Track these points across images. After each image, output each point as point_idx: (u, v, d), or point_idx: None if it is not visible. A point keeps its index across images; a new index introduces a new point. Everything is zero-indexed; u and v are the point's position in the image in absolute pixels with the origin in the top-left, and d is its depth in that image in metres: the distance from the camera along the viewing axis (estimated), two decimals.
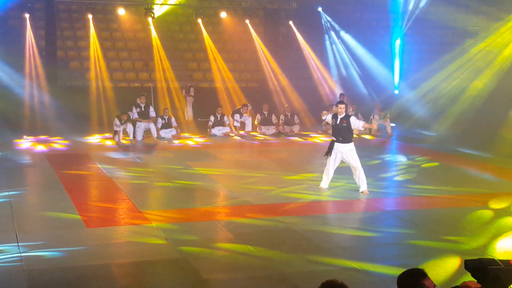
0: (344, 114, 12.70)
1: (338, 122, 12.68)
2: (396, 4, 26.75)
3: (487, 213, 11.28)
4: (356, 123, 12.86)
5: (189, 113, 24.94)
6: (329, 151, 12.71)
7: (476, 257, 5.22)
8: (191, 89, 25.05)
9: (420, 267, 4.71)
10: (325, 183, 12.98)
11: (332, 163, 12.78)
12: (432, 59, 27.14)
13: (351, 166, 12.74)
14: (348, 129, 12.68)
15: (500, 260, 5.04)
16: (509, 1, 24.88)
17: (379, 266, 8.53)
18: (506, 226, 10.58)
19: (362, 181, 12.64)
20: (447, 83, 25.62)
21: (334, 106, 22.05)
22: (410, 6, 26.60)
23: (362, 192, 12.56)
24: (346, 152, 12.61)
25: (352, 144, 12.71)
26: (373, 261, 8.78)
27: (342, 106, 12.83)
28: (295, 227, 10.28)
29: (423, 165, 16.02)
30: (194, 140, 20.24)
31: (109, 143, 19.26)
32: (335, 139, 12.72)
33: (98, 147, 18.63)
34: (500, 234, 10.09)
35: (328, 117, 13.16)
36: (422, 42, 28.69)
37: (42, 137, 19.88)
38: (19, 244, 9.13)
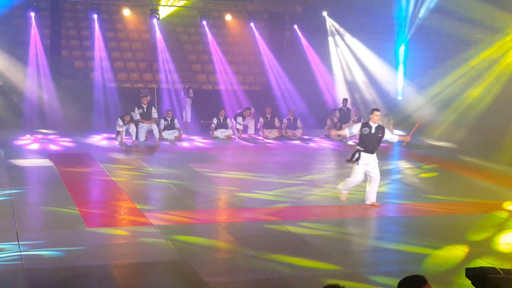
0: (377, 123, 11.97)
1: (373, 132, 11.87)
2: (400, 11, 26.79)
3: (488, 221, 11.27)
4: (390, 136, 12.20)
5: (188, 114, 24.93)
6: (356, 160, 11.90)
7: (477, 265, 5.23)
8: (190, 90, 25.06)
9: (421, 274, 4.71)
10: (345, 195, 12.39)
11: (360, 176, 12.03)
12: (436, 66, 27.20)
13: (370, 177, 12.01)
14: (380, 140, 12.03)
15: (501, 269, 5.05)
16: None
17: (380, 272, 8.52)
18: (507, 234, 10.57)
19: (373, 193, 12.07)
20: (450, 90, 25.64)
21: (337, 110, 22.28)
22: (415, 13, 26.64)
23: (372, 204, 12.04)
24: (371, 163, 11.94)
25: (375, 154, 12.05)
26: (374, 267, 8.78)
27: (378, 113, 11.98)
28: (296, 231, 10.27)
29: (426, 172, 16.00)
30: (197, 142, 20.24)
31: (111, 143, 19.26)
32: (362, 148, 11.90)
33: (101, 147, 18.64)
34: (501, 242, 10.08)
35: (355, 128, 12.15)
36: (426, 48, 28.75)
37: (45, 136, 19.90)
38: (19, 243, 9.13)
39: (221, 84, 26.76)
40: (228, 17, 28.40)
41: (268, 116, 21.91)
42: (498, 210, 12.02)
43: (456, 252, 9.41)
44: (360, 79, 27.54)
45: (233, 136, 21.21)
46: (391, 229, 10.98)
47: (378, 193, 12.40)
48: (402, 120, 23.53)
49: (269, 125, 21.82)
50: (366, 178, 12.15)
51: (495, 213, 11.77)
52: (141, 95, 22.67)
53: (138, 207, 11.50)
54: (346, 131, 12.72)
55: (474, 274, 5.10)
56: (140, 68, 27.11)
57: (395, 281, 4.65)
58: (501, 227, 10.93)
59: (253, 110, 22.18)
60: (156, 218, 10.76)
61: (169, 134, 20.39)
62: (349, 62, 28.14)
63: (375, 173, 12.00)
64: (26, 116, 22.66)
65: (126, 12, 27.49)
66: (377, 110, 12.11)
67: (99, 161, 16.05)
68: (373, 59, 27.72)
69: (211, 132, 21.15)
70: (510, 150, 18.59)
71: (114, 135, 19.68)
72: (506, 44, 25.75)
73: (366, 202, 12.13)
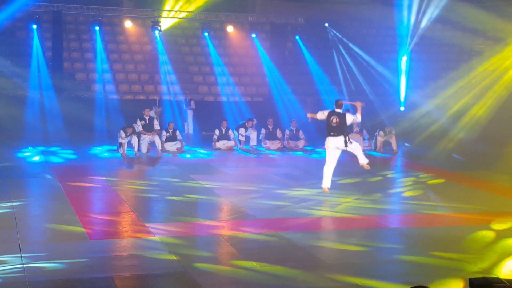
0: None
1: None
2: (402, 21, 26.82)
3: (492, 232, 11.21)
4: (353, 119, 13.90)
5: (190, 126, 24.95)
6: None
7: (481, 276, 5.20)
8: (192, 101, 25.10)
9: (425, 285, 4.67)
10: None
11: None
12: (438, 76, 27.22)
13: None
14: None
15: (506, 280, 5.01)
16: None
17: (383, 283, 8.47)
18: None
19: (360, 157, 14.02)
20: (453, 100, 25.62)
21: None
22: (417, 24, 26.68)
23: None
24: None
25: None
26: (377, 278, 8.72)
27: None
28: (299, 242, 10.23)
29: (429, 182, 15.95)
30: (199, 153, 20.23)
31: (113, 155, 19.25)
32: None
33: (103, 159, 18.63)
34: (506, 253, 10.02)
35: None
36: (428, 59, 28.78)
37: (47, 147, 19.89)
38: (22, 255, 9.10)
39: (223, 95, 26.79)
40: (230, 29, 28.47)
41: (270, 127, 21.89)
42: (503, 221, 11.96)
43: (460, 263, 9.36)
44: (363, 89, 27.53)
45: (235, 147, 21.19)
46: (394, 240, 10.93)
47: (380, 203, 12.69)
48: (404, 131, 23.51)
49: (271, 136, 21.79)
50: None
51: (500, 224, 11.71)
52: (157, 107, 22.88)
53: (140, 219, 11.47)
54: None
55: (478, 284, 5.06)
56: (141, 79, 27.15)
57: None
58: (506, 238, 10.87)
59: (255, 121, 22.15)
60: (159, 230, 10.73)
61: (171, 146, 20.37)
62: (351, 73, 28.15)
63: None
64: (28, 128, 22.67)
65: (128, 24, 27.57)
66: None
67: (101, 173, 16.04)
68: (375, 70, 27.73)
69: (213, 143, 21.13)
70: None
71: (116, 147, 19.66)
72: (509, 54, 25.75)
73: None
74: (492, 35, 28.40)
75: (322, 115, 14.01)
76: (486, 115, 24.32)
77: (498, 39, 27.28)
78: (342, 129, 13.71)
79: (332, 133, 13.73)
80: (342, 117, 13.70)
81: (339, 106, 13.93)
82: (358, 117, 13.94)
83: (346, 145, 13.62)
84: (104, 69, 26.15)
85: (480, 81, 25.89)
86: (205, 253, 9.72)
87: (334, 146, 13.76)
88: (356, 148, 13.89)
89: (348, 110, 14.22)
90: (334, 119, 13.67)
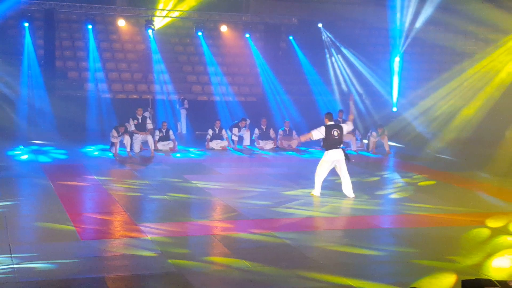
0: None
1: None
2: (395, 23, 26.88)
3: (483, 232, 11.24)
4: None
5: (183, 125, 24.91)
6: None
7: (473, 277, 5.20)
8: (185, 101, 25.06)
9: (416, 286, 4.66)
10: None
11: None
12: (431, 77, 27.30)
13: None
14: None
15: (497, 281, 5.01)
16: (506, 24, 25.02)
17: (375, 284, 8.46)
18: (502, 245, 10.53)
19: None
20: (445, 101, 25.70)
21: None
22: (409, 25, 26.75)
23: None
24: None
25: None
26: (369, 278, 8.72)
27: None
28: (292, 242, 10.22)
29: (420, 183, 15.98)
30: (192, 153, 20.19)
31: (106, 154, 19.19)
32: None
33: (95, 159, 18.57)
34: (496, 253, 10.04)
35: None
36: (420, 60, 28.88)
37: (39, 147, 19.82)
38: (12, 255, 9.05)
39: (217, 95, 26.76)
40: (224, 28, 28.44)
41: (264, 127, 21.87)
42: (493, 221, 11.99)
43: (452, 264, 9.37)
44: (356, 90, 27.57)
45: (228, 147, 21.15)
46: (386, 240, 10.93)
47: (373, 204, 12.80)
48: (397, 131, 23.55)
49: (264, 136, 21.77)
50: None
51: (490, 225, 11.74)
52: (151, 109, 22.86)
53: (132, 219, 11.43)
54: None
55: (471, 286, 5.06)
56: (135, 79, 27.09)
57: None
58: (496, 238, 10.89)
59: (248, 121, 22.13)
60: (151, 230, 10.70)
61: (164, 146, 20.33)
62: (345, 74, 28.18)
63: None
64: (19, 127, 22.57)
65: (121, 23, 27.50)
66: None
67: (93, 173, 15.98)
68: (368, 70, 27.78)
69: (206, 143, 21.10)
70: (504, 161, 18.59)
71: (108, 146, 19.60)
72: (499, 57, 25.83)
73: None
74: (484, 37, 28.49)
75: (318, 133, 13.63)
76: (477, 116, 24.40)
77: (490, 41, 27.38)
78: (342, 140, 13.71)
79: (334, 147, 13.54)
80: (340, 128, 13.71)
81: (332, 118, 13.91)
82: (350, 125, 14.27)
83: (346, 156, 13.58)
84: (97, 67, 26.08)
85: (472, 82, 25.97)
86: (198, 253, 9.69)
87: (334, 159, 13.58)
88: (346, 177, 13.69)
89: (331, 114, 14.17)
90: (336, 132, 13.51)
